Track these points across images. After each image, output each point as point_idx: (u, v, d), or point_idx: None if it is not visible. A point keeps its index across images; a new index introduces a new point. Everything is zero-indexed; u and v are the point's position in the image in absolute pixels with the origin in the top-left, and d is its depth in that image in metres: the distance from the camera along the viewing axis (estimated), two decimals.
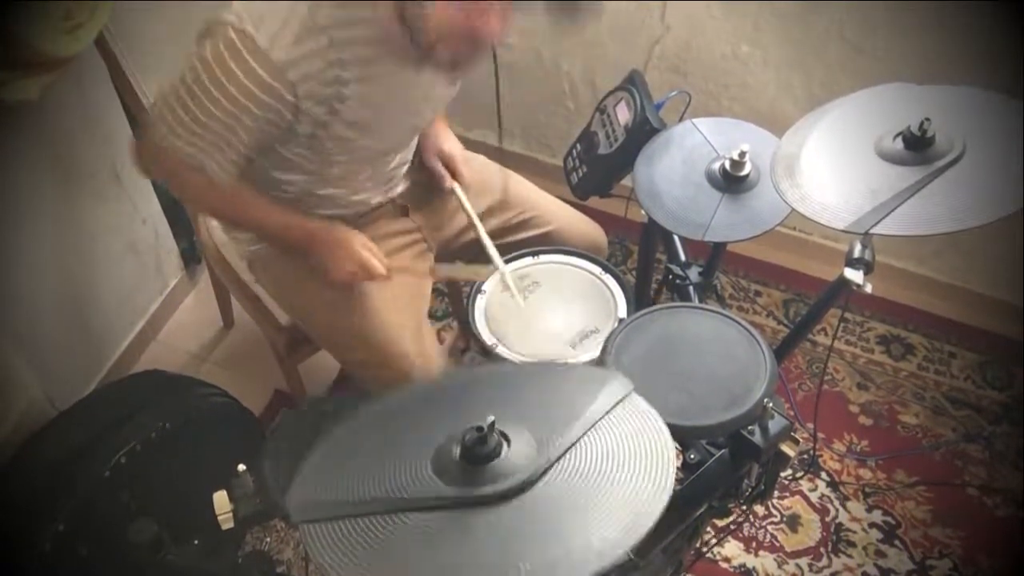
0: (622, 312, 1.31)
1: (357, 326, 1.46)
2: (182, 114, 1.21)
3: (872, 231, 1.07)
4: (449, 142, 1.58)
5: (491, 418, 0.79)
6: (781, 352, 1.50)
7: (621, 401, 0.87)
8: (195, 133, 1.21)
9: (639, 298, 1.69)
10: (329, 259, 1.40)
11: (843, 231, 1.10)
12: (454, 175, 1.55)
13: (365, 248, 1.40)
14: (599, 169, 1.60)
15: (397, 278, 1.46)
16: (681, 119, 1.52)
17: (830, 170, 1.18)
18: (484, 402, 0.93)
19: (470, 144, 1.64)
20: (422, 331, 1.49)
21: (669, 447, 0.82)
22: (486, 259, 1.44)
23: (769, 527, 1.87)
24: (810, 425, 1.92)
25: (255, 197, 1.38)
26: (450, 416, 0.89)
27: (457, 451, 0.80)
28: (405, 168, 1.54)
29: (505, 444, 0.81)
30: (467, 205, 1.52)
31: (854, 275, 1.21)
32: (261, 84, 1.17)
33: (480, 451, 0.79)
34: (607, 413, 0.85)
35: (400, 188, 1.55)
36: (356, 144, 1.33)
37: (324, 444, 0.91)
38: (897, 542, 1.85)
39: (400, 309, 1.48)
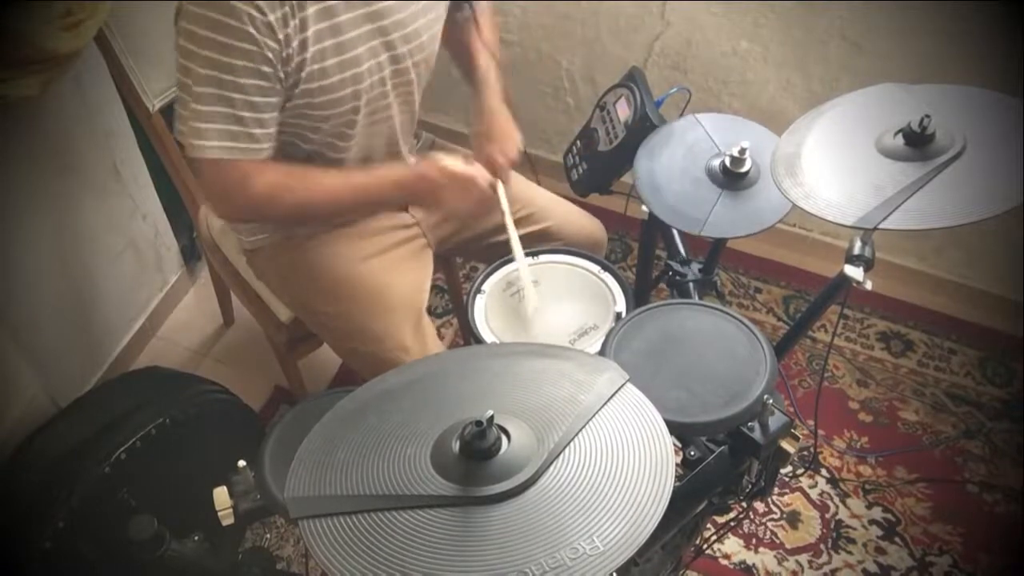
0: (621, 309, 1.31)
1: (357, 318, 1.46)
2: (194, 103, 1.20)
3: (880, 226, 1.07)
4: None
5: (490, 412, 0.79)
6: (781, 349, 1.50)
7: (619, 390, 0.87)
8: (213, 115, 1.20)
9: (639, 294, 1.69)
10: (437, 201, 1.42)
11: (852, 227, 1.10)
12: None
13: (445, 174, 1.37)
14: (599, 166, 1.60)
15: (397, 271, 1.45)
16: (681, 116, 1.51)
17: (833, 168, 1.18)
18: (480, 390, 0.93)
19: (467, 142, 1.64)
20: (422, 324, 1.49)
21: (668, 443, 0.82)
22: (491, 257, 1.43)
23: (769, 524, 1.87)
24: (810, 422, 1.92)
25: (324, 173, 1.37)
26: (446, 404, 0.89)
27: (456, 446, 0.80)
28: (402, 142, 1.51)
29: (504, 439, 0.80)
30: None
31: (854, 272, 1.21)
32: (231, 11, 1.15)
33: (479, 446, 0.79)
34: (605, 404, 0.85)
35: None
36: (331, 84, 1.29)
37: (317, 433, 0.90)
38: (897, 539, 1.85)
39: (399, 302, 1.48)
